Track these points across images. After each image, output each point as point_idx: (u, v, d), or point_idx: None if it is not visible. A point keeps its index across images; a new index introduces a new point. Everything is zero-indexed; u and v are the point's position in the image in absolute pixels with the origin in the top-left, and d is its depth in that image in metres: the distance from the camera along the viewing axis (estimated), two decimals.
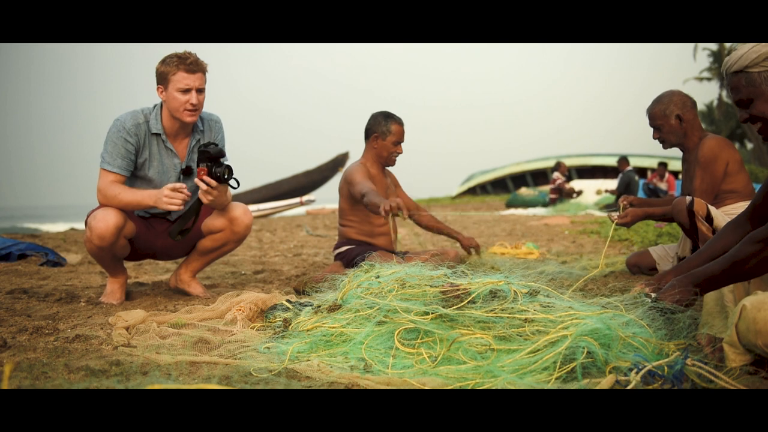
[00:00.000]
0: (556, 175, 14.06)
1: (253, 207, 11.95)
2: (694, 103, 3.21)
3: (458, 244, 4.20)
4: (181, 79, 2.76)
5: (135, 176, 2.89)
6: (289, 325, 2.10)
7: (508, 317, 1.74)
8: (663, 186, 12.52)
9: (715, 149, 3.05)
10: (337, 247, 3.68)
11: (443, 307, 1.81)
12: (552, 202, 13.47)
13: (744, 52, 1.68)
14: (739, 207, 2.97)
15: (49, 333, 2.17)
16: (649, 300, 1.76)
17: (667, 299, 1.72)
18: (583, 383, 1.46)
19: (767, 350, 1.45)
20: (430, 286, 1.94)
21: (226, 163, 2.80)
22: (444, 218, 9.96)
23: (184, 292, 3.11)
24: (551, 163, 20.98)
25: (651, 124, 3.25)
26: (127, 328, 2.19)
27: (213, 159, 2.76)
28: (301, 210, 15.22)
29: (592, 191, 15.26)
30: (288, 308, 2.28)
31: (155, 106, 2.90)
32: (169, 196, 2.67)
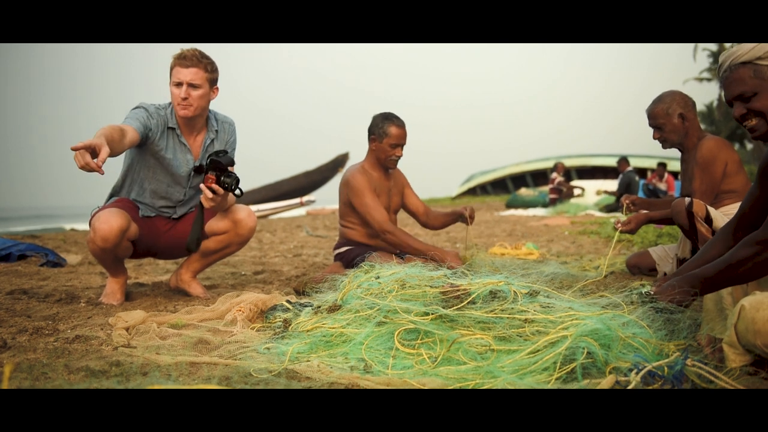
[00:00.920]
0: (554, 175, 14.10)
1: (253, 207, 11.96)
2: (694, 104, 3.22)
3: (459, 245, 4.19)
4: (176, 73, 2.83)
5: (154, 157, 2.89)
6: (289, 325, 2.09)
7: (508, 318, 1.74)
8: (662, 186, 12.52)
9: (714, 150, 3.05)
10: (337, 247, 3.68)
11: (443, 308, 1.81)
12: (552, 203, 13.49)
13: (754, 45, 1.67)
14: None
15: (49, 333, 2.17)
16: (647, 297, 1.76)
17: (665, 298, 1.73)
18: (583, 384, 1.46)
19: (766, 350, 1.45)
20: (430, 286, 1.94)
21: (234, 174, 2.82)
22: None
23: (185, 293, 3.11)
24: (551, 164, 21.00)
25: (652, 124, 3.25)
26: (127, 329, 2.18)
27: (223, 169, 2.78)
28: (302, 210, 15.25)
29: (592, 192, 15.29)
30: (288, 309, 2.28)
31: (170, 102, 2.94)
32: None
